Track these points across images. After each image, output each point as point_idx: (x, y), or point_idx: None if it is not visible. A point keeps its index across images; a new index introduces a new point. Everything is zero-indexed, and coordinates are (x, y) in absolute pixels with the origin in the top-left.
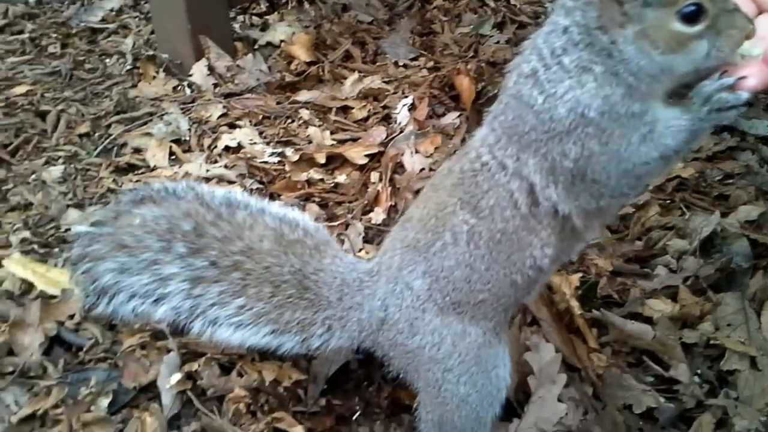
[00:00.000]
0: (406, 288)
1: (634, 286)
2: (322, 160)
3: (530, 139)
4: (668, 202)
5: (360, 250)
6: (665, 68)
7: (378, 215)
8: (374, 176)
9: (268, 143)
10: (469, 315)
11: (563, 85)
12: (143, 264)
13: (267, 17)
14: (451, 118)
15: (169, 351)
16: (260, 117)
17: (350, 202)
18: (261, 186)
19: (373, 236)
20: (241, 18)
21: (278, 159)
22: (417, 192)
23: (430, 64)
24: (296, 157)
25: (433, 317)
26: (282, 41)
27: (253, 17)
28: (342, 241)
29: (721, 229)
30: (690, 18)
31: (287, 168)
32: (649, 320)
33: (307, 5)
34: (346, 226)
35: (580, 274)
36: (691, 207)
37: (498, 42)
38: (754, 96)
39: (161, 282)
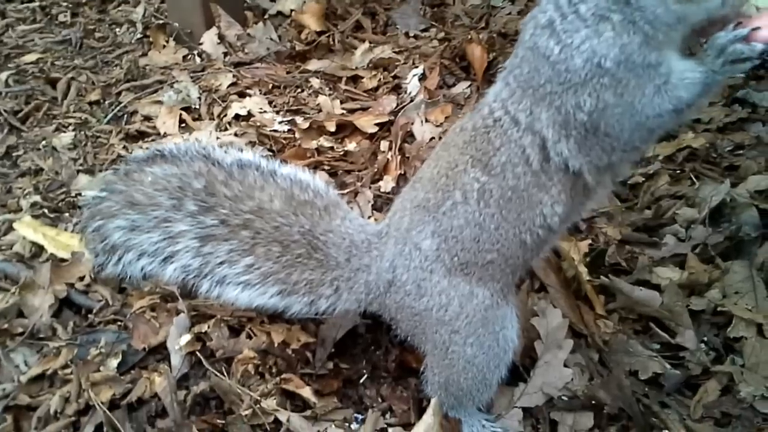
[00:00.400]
0: (414, 249)
1: (643, 254)
2: (332, 128)
3: (545, 92)
4: (678, 172)
5: (369, 217)
6: (681, 16)
7: (387, 183)
8: (384, 145)
9: (277, 112)
10: (477, 276)
11: (580, 35)
12: (154, 222)
13: None
14: (462, 87)
15: (178, 313)
16: (270, 86)
17: (360, 170)
18: (271, 154)
19: (383, 204)
20: None
21: (288, 127)
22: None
23: (441, 35)
24: (306, 125)
25: (441, 278)
26: (292, 10)
27: None
28: (351, 209)
29: (730, 199)
30: None
31: (297, 135)
32: (656, 288)
33: None
34: (356, 194)
35: (588, 242)
36: (701, 177)
37: (510, 13)
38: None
39: (171, 240)
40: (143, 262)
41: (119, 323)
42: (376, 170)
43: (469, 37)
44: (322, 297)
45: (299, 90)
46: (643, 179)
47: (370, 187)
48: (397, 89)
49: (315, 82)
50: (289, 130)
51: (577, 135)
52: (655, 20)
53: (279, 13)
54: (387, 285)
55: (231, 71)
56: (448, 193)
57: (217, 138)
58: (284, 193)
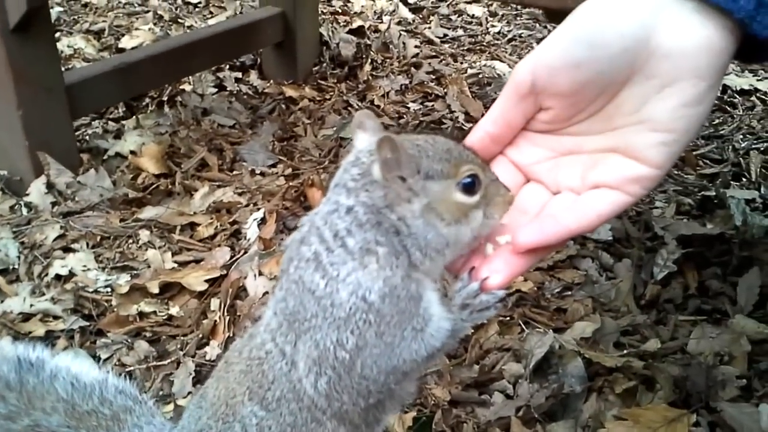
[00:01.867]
0: None
1: (470, 419)
2: (155, 290)
3: (309, 326)
4: (508, 318)
5: (188, 394)
6: (451, 239)
7: (213, 350)
8: (214, 303)
9: (103, 269)
10: None
11: (346, 267)
12: None
13: (124, 121)
14: None
15: None
16: (99, 238)
17: (185, 335)
18: (87, 324)
19: (207, 374)
20: (96, 123)
21: (111, 289)
22: (257, 320)
23: (288, 171)
24: (125, 289)
25: None
26: (131, 152)
27: (109, 122)
28: (171, 383)
29: (559, 346)
30: (469, 189)
31: (114, 302)
32: None
33: (167, 108)
34: (178, 364)
35: (414, 414)
36: (530, 323)
37: None
38: None
39: None
40: None
41: None
42: (201, 335)
43: (310, 179)
44: None
45: (130, 241)
46: (473, 331)
47: (194, 355)
48: (237, 235)
49: (144, 235)
50: (111, 292)
51: (334, 375)
52: (426, 246)
53: (117, 154)
54: None
55: (59, 222)
56: (228, 425)
57: (31, 305)
58: (65, 404)
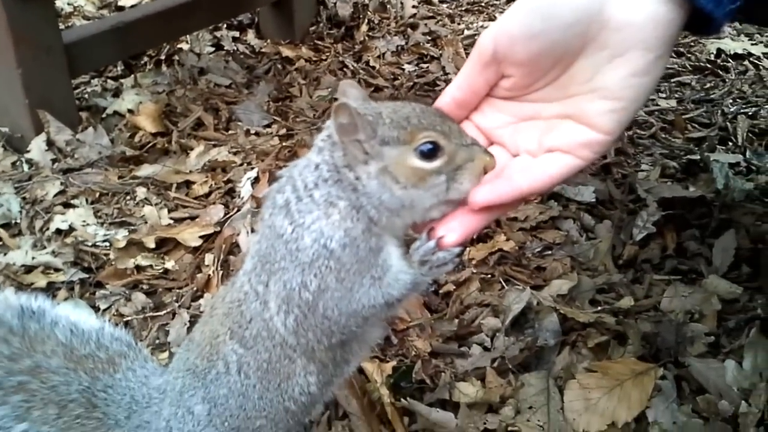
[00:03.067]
0: (187, 412)
1: (448, 369)
2: (152, 245)
3: (278, 267)
4: (489, 276)
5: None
6: (406, 202)
7: (207, 302)
8: (208, 258)
9: (102, 224)
10: None
11: (311, 216)
12: None
13: (123, 80)
14: None
15: None
16: (98, 194)
17: (180, 288)
18: (86, 276)
19: None
20: (95, 82)
21: (109, 243)
22: None
23: (283, 131)
24: (123, 243)
25: None
26: (129, 110)
27: (108, 81)
28: (167, 332)
29: (537, 303)
30: (427, 155)
31: (112, 256)
32: (457, 406)
33: (164, 67)
34: (173, 315)
35: (393, 363)
36: (511, 281)
37: None
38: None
39: None
40: None
41: None
42: (196, 288)
43: (303, 140)
44: None
45: (128, 198)
46: (454, 287)
47: (189, 307)
48: (231, 193)
49: (141, 192)
50: (110, 246)
51: (299, 314)
52: (380, 205)
53: (116, 113)
54: None
55: (59, 179)
56: (212, 362)
57: (33, 258)
58: (64, 348)
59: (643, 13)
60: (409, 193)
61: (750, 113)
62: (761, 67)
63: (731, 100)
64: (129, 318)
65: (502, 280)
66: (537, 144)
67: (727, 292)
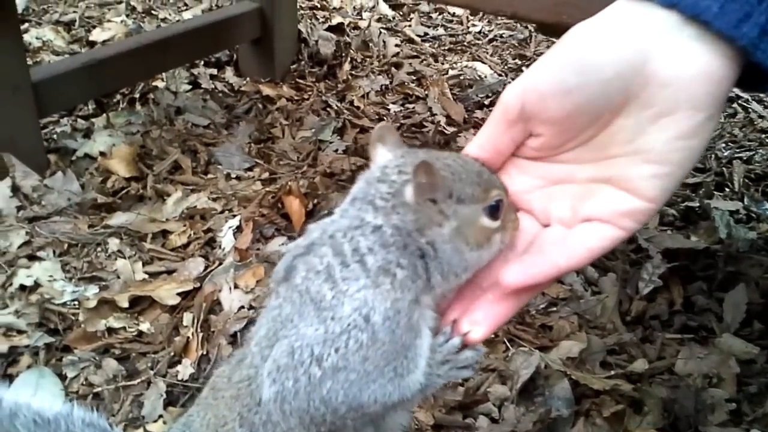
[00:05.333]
0: None
1: None
2: (125, 304)
3: (294, 332)
4: (493, 336)
5: (159, 417)
6: (472, 264)
7: (186, 369)
8: (187, 318)
9: (70, 279)
10: None
11: (357, 284)
12: None
13: (94, 119)
14: (277, 244)
15: None
16: (66, 246)
17: (156, 352)
18: (53, 339)
19: (179, 395)
20: (65, 121)
21: (78, 302)
22: (233, 336)
23: (265, 175)
24: (93, 303)
25: None
26: (101, 153)
27: (79, 120)
28: (141, 405)
29: (545, 366)
30: (494, 213)
31: (81, 317)
32: None
33: (139, 106)
34: (148, 384)
35: None
36: (515, 341)
37: (337, 150)
38: None
39: None
40: None
41: None
42: (173, 353)
43: (288, 186)
44: None
45: (99, 250)
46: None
47: (165, 375)
48: (211, 244)
49: (113, 243)
50: (79, 305)
51: (291, 388)
52: (449, 270)
53: (87, 155)
54: None
55: (24, 228)
56: None
57: None
58: None
59: (694, 68)
60: (475, 255)
61: (744, 158)
62: (750, 110)
63: (723, 144)
64: (99, 388)
65: (506, 341)
66: (571, 212)
67: (743, 353)
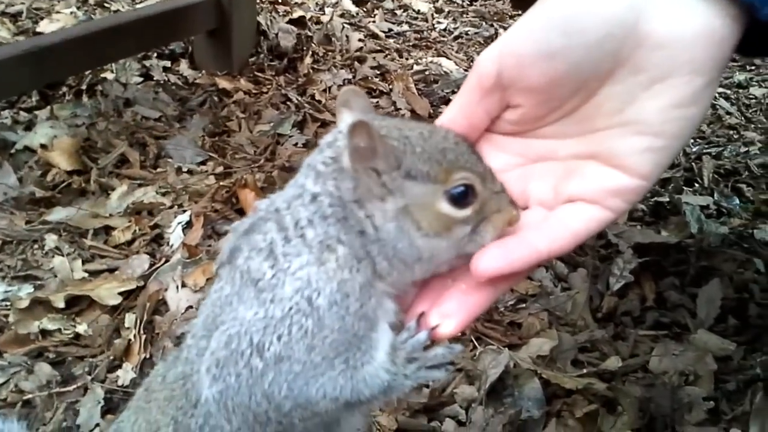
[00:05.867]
0: None
1: None
2: (61, 304)
3: (231, 317)
4: (459, 335)
5: (95, 426)
6: (425, 254)
7: (126, 374)
8: (129, 319)
9: (3, 278)
10: None
11: (299, 260)
12: None
13: (37, 112)
14: None
15: None
16: (0, 243)
17: (94, 356)
18: None
19: (119, 401)
20: (5, 114)
21: (10, 302)
22: (179, 338)
23: (219, 169)
24: (26, 303)
25: None
26: (42, 145)
27: (21, 113)
28: (76, 413)
29: (514, 365)
30: (458, 200)
31: (12, 318)
32: None
33: (85, 98)
34: (85, 390)
35: None
36: (482, 339)
37: (296, 144)
38: None
39: None
40: None
41: None
42: (113, 357)
43: (244, 179)
44: None
45: (35, 247)
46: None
47: (104, 380)
48: (158, 241)
49: (51, 240)
50: (10, 306)
51: (233, 383)
52: (395, 256)
53: (27, 148)
54: None
55: None
56: None
57: None
58: None
59: (693, 28)
60: (430, 243)
61: (713, 153)
62: (718, 107)
63: (692, 140)
64: (30, 395)
65: (473, 339)
66: (553, 192)
67: (718, 349)
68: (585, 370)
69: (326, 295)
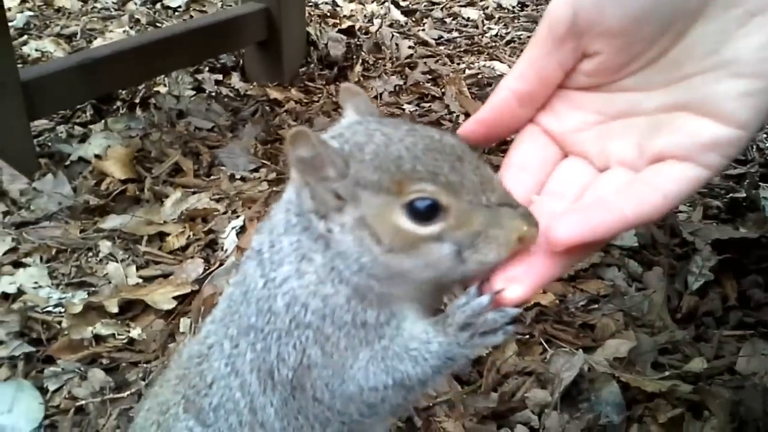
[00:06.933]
0: None
1: None
2: (114, 309)
3: (248, 324)
4: (527, 337)
5: None
6: (394, 270)
7: None
8: (184, 324)
9: (57, 285)
10: None
11: (282, 271)
12: None
13: (92, 126)
14: None
15: None
16: (54, 251)
17: (148, 362)
18: (34, 349)
19: None
20: (61, 128)
21: (63, 308)
22: None
23: (272, 175)
24: (79, 308)
25: None
26: (96, 156)
27: (76, 127)
28: (130, 420)
29: (588, 368)
30: (422, 215)
31: (66, 323)
32: None
33: (139, 112)
34: (139, 396)
35: None
36: (553, 342)
37: None
38: None
39: None
40: None
41: None
42: (167, 362)
43: None
44: None
45: (90, 254)
46: (487, 351)
47: None
48: (212, 246)
49: (105, 246)
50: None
51: (283, 391)
52: (361, 270)
53: (81, 159)
54: None
55: (11, 234)
56: None
57: None
58: None
59: None
60: (396, 260)
61: None
62: None
63: (764, 135)
64: (83, 402)
65: (543, 341)
66: (638, 151)
67: None
68: (667, 373)
69: (313, 310)
